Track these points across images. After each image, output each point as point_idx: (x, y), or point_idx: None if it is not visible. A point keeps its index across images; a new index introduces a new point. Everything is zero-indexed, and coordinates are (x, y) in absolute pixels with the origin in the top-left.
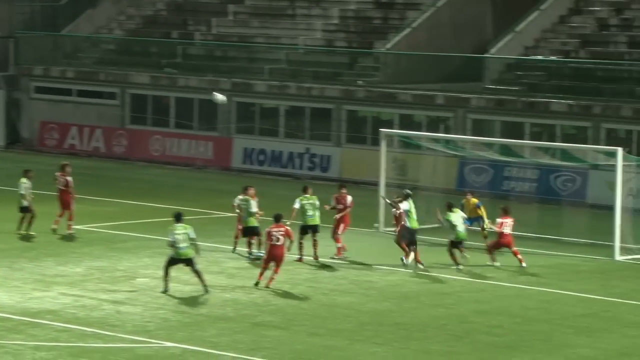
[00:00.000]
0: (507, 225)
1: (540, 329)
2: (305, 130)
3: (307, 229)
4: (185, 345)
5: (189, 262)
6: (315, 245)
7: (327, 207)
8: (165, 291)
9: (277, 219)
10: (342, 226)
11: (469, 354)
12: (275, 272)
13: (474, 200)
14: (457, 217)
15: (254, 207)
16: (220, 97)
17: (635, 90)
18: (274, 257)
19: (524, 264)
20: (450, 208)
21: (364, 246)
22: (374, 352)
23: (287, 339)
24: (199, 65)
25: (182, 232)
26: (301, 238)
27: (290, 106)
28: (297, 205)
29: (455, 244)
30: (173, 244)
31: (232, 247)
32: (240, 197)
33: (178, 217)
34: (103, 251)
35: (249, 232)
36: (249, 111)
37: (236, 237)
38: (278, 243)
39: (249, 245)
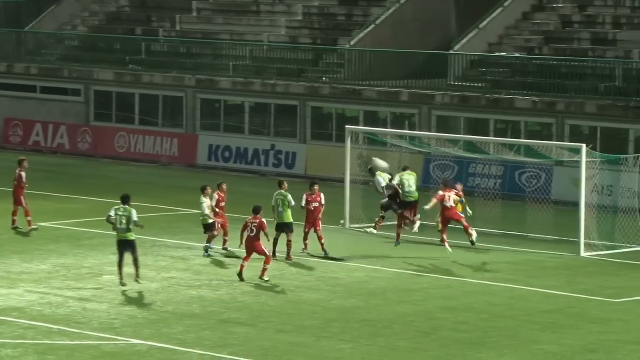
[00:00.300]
0: (449, 198)
1: (506, 325)
2: (270, 127)
3: (282, 227)
4: (151, 342)
5: (127, 244)
6: (289, 245)
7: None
8: (121, 283)
9: (256, 210)
10: (318, 222)
11: (435, 351)
12: (266, 262)
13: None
14: (411, 178)
15: (206, 209)
16: (381, 164)
17: (598, 87)
18: (251, 248)
19: (473, 238)
20: (404, 169)
21: (330, 243)
22: (341, 349)
23: (254, 336)
24: (163, 62)
25: (122, 213)
26: (277, 235)
27: (255, 103)
28: (274, 202)
29: (406, 204)
30: (109, 219)
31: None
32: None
33: (123, 199)
34: (69, 248)
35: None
36: (213, 108)
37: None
38: (252, 234)
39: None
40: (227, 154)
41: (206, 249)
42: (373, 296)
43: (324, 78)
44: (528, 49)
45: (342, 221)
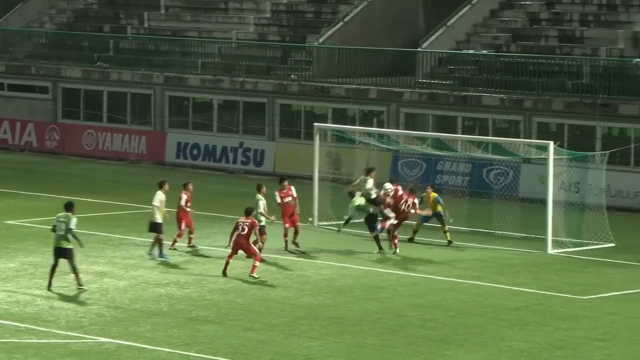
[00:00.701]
0: (405, 202)
1: (474, 322)
2: (238, 125)
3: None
4: (119, 341)
5: (63, 253)
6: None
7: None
8: (48, 287)
9: (248, 212)
10: (297, 218)
11: (403, 348)
12: (256, 260)
13: (434, 195)
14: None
15: (156, 203)
16: None
17: (566, 84)
18: (239, 246)
19: (397, 250)
20: (368, 173)
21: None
22: (309, 347)
23: (222, 334)
24: (132, 59)
25: (62, 220)
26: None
27: (224, 100)
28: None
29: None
30: (54, 229)
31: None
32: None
33: (66, 206)
34: (36, 246)
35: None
36: (182, 105)
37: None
38: (243, 233)
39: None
40: (195, 151)
41: (151, 252)
42: (341, 294)
43: (292, 76)
44: (496, 47)
45: (310, 219)
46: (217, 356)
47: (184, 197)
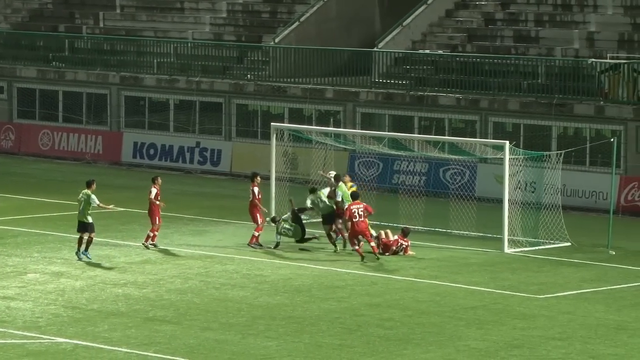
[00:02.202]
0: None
1: (432, 321)
2: (195, 125)
3: None
4: (77, 341)
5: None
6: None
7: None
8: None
9: (355, 197)
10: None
11: (361, 347)
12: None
13: (350, 184)
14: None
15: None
16: None
17: (521, 84)
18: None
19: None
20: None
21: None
22: (267, 346)
23: (180, 334)
24: (87, 59)
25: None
26: None
27: (180, 100)
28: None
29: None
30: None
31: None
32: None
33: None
34: None
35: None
36: (138, 105)
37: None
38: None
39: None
40: (152, 151)
41: (79, 254)
42: (299, 293)
43: (248, 75)
44: (452, 47)
45: (268, 218)
46: (174, 356)
47: (154, 190)
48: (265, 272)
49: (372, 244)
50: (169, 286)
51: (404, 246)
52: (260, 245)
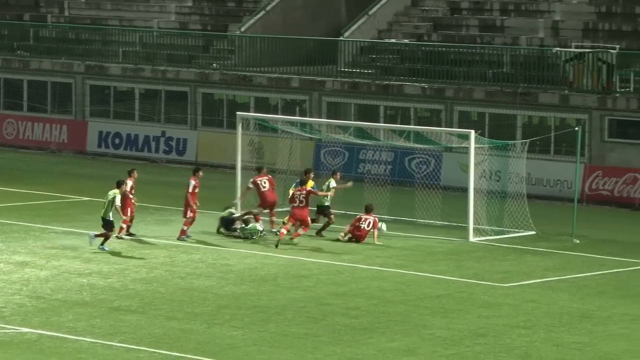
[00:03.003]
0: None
1: (397, 310)
2: (160, 114)
3: None
4: (41, 331)
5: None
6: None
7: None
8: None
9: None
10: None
11: (326, 336)
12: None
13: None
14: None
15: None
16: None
17: (487, 73)
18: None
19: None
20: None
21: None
22: (232, 335)
23: (145, 323)
24: (52, 48)
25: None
26: None
27: (145, 89)
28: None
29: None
30: None
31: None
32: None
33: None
34: None
35: None
36: (103, 94)
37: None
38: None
39: None
40: (117, 140)
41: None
42: (264, 282)
43: (214, 64)
44: (417, 36)
45: (234, 209)
46: (140, 346)
47: (129, 183)
48: (231, 262)
49: (283, 230)
50: (134, 276)
51: (369, 221)
52: (188, 236)
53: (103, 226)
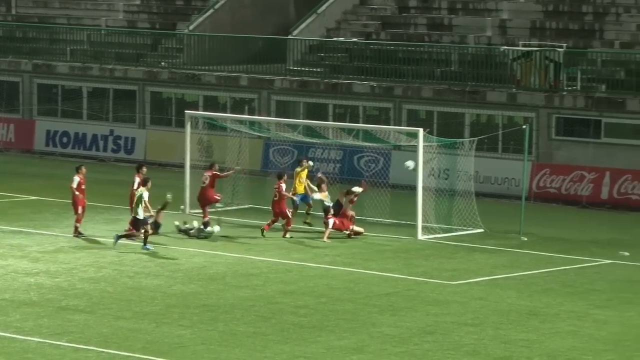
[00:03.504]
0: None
1: (346, 308)
2: (109, 112)
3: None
4: None
5: (134, 221)
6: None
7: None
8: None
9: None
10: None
11: (275, 335)
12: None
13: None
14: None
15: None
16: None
17: (435, 72)
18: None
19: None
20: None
21: (172, 228)
22: (181, 335)
23: (93, 323)
24: None
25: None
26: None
27: (93, 88)
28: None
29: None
30: None
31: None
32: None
33: (143, 181)
34: None
35: None
36: (51, 93)
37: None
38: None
39: None
40: (65, 139)
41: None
42: (213, 281)
43: (163, 63)
44: (366, 35)
45: (182, 207)
46: (88, 345)
47: (76, 179)
48: (180, 261)
49: (267, 223)
50: (82, 275)
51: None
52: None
53: (132, 224)
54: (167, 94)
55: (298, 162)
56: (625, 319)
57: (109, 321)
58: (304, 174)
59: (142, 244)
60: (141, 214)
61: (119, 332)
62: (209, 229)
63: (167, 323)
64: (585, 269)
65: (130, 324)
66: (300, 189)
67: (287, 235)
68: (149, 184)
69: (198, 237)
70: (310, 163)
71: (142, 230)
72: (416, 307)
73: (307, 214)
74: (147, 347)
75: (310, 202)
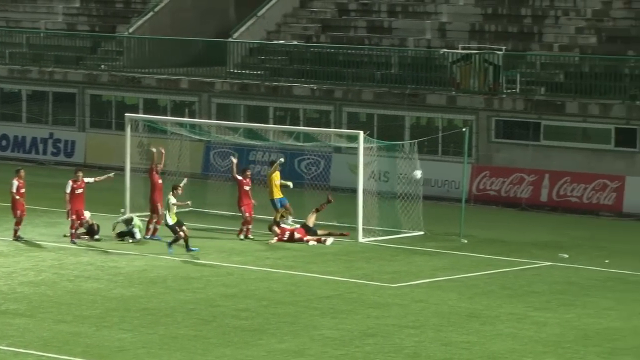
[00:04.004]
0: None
1: (287, 311)
2: (48, 115)
3: None
4: None
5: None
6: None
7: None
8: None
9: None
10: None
11: (216, 338)
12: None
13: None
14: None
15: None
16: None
17: (375, 75)
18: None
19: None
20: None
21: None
22: (121, 338)
23: (33, 327)
24: None
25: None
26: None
27: (33, 91)
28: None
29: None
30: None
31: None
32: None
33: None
34: None
35: None
36: None
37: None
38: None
39: None
40: (4, 142)
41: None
42: (154, 285)
43: (102, 66)
44: (306, 37)
45: (122, 210)
46: (28, 349)
47: (15, 183)
48: (120, 264)
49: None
50: (22, 279)
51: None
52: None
53: (171, 230)
54: (107, 96)
55: (270, 164)
56: (564, 320)
57: (49, 325)
58: (277, 175)
59: (185, 246)
60: (170, 221)
61: (59, 335)
62: (134, 221)
63: (108, 327)
64: (525, 271)
65: (71, 327)
66: (278, 193)
67: (244, 236)
68: (179, 190)
69: (127, 232)
70: (281, 160)
71: (181, 233)
72: (357, 310)
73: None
74: (87, 351)
75: (287, 205)
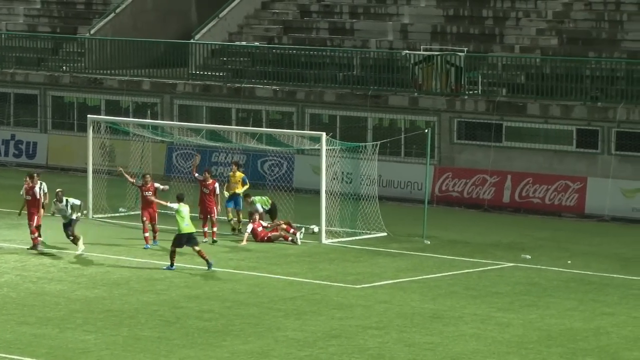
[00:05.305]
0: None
1: (250, 312)
2: (10, 117)
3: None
4: None
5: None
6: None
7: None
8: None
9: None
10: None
11: (180, 339)
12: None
13: (240, 174)
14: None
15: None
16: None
17: (337, 76)
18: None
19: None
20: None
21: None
22: (85, 340)
23: None
24: None
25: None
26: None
27: None
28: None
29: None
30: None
31: None
32: None
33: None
34: None
35: None
36: None
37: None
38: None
39: None
40: None
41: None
42: (117, 286)
43: (64, 67)
44: (268, 39)
45: (85, 211)
46: None
47: None
48: (83, 266)
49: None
50: None
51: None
52: None
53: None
54: (68, 98)
55: (231, 166)
56: (527, 321)
57: (12, 327)
58: (235, 177)
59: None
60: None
61: (22, 337)
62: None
63: (71, 328)
64: (488, 272)
65: (34, 329)
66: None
67: (215, 238)
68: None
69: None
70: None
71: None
72: (321, 311)
73: (238, 221)
74: (50, 353)
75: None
